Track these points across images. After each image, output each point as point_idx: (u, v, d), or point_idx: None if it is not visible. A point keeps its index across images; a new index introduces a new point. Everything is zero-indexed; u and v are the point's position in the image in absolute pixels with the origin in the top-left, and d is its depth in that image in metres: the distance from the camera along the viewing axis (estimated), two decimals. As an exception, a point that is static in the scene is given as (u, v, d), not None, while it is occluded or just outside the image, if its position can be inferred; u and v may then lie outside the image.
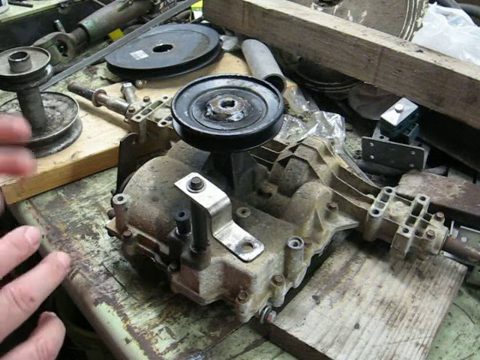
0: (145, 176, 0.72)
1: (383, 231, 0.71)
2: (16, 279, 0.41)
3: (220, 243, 0.53)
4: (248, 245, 0.53)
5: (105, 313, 0.69)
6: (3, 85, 0.86)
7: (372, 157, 0.91)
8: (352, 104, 1.10)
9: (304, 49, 1.07)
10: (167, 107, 0.92)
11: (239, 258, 0.52)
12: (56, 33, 1.24)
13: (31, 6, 1.33)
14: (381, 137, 0.93)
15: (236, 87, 0.72)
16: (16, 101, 0.96)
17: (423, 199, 0.72)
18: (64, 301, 1.28)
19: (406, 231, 0.68)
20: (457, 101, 0.86)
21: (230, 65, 1.20)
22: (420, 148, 0.87)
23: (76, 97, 1.02)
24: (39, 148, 0.91)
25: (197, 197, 0.52)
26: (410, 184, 0.85)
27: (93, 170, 0.93)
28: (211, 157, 0.73)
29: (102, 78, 1.21)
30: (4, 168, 0.47)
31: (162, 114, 0.90)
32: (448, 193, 0.82)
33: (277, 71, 1.07)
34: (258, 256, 0.52)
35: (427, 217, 0.71)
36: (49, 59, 0.87)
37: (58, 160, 0.90)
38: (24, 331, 0.42)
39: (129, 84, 1.08)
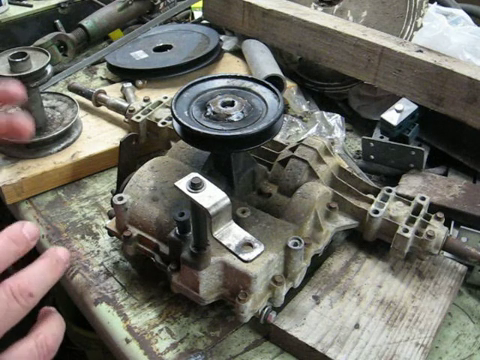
0: (145, 176, 0.72)
1: (383, 231, 0.71)
2: (15, 274, 0.40)
3: (220, 243, 0.53)
4: (248, 245, 0.53)
5: (105, 313, 0.69)
6: (3, 85, 0.86)
7: (372, 157, 0.91)
8: (352, 104, 1.10)
9: (304, 49, 1.07)
10: (167, 107, 0.92)
11: (239, 258, 0.52)
12: (56, 33, 1.24)
13: (31, 6, 1.33)
14: (381, 137, 0.93)
15: (236, 87, 0.72)
16: (16, 101, 0.96)
17: (423, 199, 0.72)
18: (64, 301, 1.28)
19: (406, 231, 0.68)
20: (457, 101, 0.86)
21: (230, 65, 1.20)
22: (420, 148, 0.87)
23: (76, 97, 1.02)
24: (39, 148, 0.91)
25: (197, 197, 0.52)
26: (410, 184, 0.85)
27: (93, 170, 0.93)
28: (211, 157, 0.73)
29: (102, 78, 1.21)
30: (2, 130, 0.48)
31: (162, 114, 0.90)
32: (448, 193, 0.82)
33: (277, 71, 1.07)
34: (258, 256, 0.52)
35: (427, 217, 0.71)
36: (49, 59, 0.87)
37: (58, 160, 0.90)
38: (23, 327, 0.42)
39: (129, 84, 1.08)
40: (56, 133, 0.91)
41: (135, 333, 0.67)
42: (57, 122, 0.95)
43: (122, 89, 1.08)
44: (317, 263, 0.71)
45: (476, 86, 0.83)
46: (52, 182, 0.89)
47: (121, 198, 0.69)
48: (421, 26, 1.02)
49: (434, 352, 0.65)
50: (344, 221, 0.72)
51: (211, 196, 0.52)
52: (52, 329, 0.42)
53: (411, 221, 0.70)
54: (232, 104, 0.68)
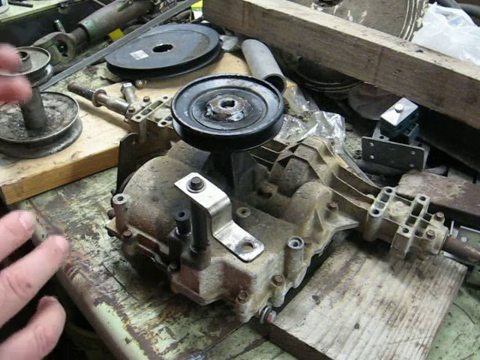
0: (145, 176, 0.72)
1: (383, 231, 0.71)
2: (12, 265, 0.39)
3: (220, 243, 0.53)
4: (248, 245, 0.53)
5: (105, 313, 0.69)
6: (3, 85, 0.86)
7: (372, 157, 0.91)
8: (352, 104, 1.10)
9: (304, 49, 1.07)
10: (167, 107, 0.92)
11: (239, 258, 0.52)
12: (56, 33, 1.24)
13: (31, 6, 1.33)
14: (381, 137, 0.93)
15: (236, 87, 0.72)
16: (16, 101, 0.96)
17: (423, 199, 0.72)
18: (64, 301, 1.27)
19: (406, 231, 0.68)
20: (457, 101, 0.86)
21: (230, 65, 1.20)
22: (420, 148, 0.87)
23: (76, 97, 1.02)
24: (39, 148, 0.91)
25: (197, 197, 0.52)
26: (410, 184, 0.85)
27: (93, 170, 0.93)
28: (211, 157, 0.73)
29: (102, 78, 1.21)
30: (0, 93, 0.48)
31: (162, 114, 0.90)
32: (448, 193, 0.82)
33: (277, 71, 1.07)
34: (258, 256, 0.52)
35: (427, 217, 0.71)
36: (49, 59, 0.87)
37: (58, 160, 0.90)
38: (22, 318, 0.41)
39: (129, 84, 1.08)
40: (56, 133, 0.91)
41: (135, 333, 0.67)
42: (57, 122, 0.95)
43: (122, 89, 1.08)
44: (317, 263, 0.71)
45: (476, 86, 0.83)
46: (52, 182, 0.89)
47: (121, 198, 0.69)
48: (421, 26, 1.02)
49: (434, 352, 0.65)
50: (344, 221, 0.72)
51: (211, 196, 0.52)
52: (52, 320, 0.41)
53: (411, 221, 0.70)
54: (232, 104, 0.68)
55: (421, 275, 0.71)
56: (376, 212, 0.71)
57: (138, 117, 0.90)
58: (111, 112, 1.01)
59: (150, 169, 0.73)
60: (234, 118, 0.67)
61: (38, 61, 0.86)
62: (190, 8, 1.44)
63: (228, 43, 1.27)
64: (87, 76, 1.22)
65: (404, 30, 1.04)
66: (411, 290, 0.69)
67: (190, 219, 0.58)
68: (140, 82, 1.11)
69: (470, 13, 1.11)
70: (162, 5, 1.42)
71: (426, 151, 0.90)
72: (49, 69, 0.88)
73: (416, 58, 0.90)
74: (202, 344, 0.66)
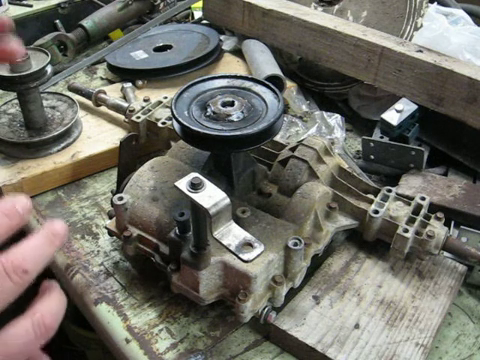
0: (145, 176, 0.72)
1: (383, 231, 0.71)
2: (8, 250, 0.38)
3: (220, 243, 0.53)
4: (248, 245, 0.53)
5: (105, 313, 0.69)
6: (3, 85, 0.86)
7: (372, 157, 0.91)
8: (352, 104, 1.10)
9: (304, 49, 1.07)
10: (167, 107, 0.92)
11: (239, 258, 0.52)
12: (56, 33, 1.24)
13: (31, 6, 1.33)
14: (381, 137, 0.93)
15: (236, 87, 0.72)
16: (16, 101, 0.96)
17: (423, 199, 0.72)
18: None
19: (406, 231, 0.68)
20: (457, 101, 0.86)
21: (230, 65, 1.20)
22: (420, 148, 0.87)
23: (76, 97, 1.02)
24: (39, 148, 0.91)
25: (197, 197, 0.52)
26: (410, 184, 0.85)
27: (93, 170, 0.93)
28: (211, 157, 0.73)
29: (102, 78, 1.21)
30: None
31: (162, 114, 0.90)
32: (448, 193, 0.82)
33: (277, 71, 1.07)
34: (258, 256, 0.52)
35: (427, 217, 0.71)
36: (49, 59, 0.87)
37: (58, 160, 0.90)
38: (23, 303, 0.40)
39: (129, 84, 1.08)
40: (56, 133, 0.91)
41: (135, 333, 0.67)
42: (57, 122, 0.95)
43: (122, 89, 1.08)
44: (317, 263, 0.71)
45: (476, 86, 0.83)
46: (52, 182, 0.89)
47: (121, 198, 0.69)
48: (421, 26, 1.02)
49: (434, 352, 0.65)
50: (344, 221, 0.72)
51: (211, 196, 0.52)
52: (51, 307, 0.39)
53: (411, 221, 0.70)
54: (232, 104, 0.68)
55: (421, 275, 0.71)
56: (376, 212, 0.71)
57: (138, 117, 0.90)
58: (111, 112, 1.01)
59: (150, 169, 0.73)
60: (234, 118, 0.67)
61: (38, 61, 0.86)
62: (190, 8, 1.44)
63: (228, 43, 1.27)
64: (87, 76, 1.22)
65: (404, 30, 1.04)
66: (411, 290, 0.69)
67: (190, 219, 0.58)
68: (140, 82, 1.11)
69: (470, 13, 1.11)
70: (162, 5, 1.42)
71: (426, 151, 0.90)
72: (49, 69, 0.88)
73: (416, 58, 0.90)
74: (202, 344, 0.66)
